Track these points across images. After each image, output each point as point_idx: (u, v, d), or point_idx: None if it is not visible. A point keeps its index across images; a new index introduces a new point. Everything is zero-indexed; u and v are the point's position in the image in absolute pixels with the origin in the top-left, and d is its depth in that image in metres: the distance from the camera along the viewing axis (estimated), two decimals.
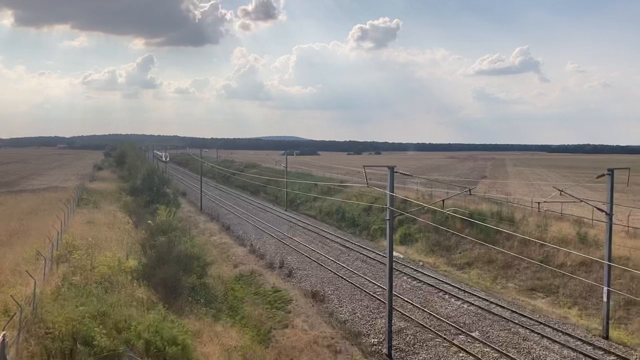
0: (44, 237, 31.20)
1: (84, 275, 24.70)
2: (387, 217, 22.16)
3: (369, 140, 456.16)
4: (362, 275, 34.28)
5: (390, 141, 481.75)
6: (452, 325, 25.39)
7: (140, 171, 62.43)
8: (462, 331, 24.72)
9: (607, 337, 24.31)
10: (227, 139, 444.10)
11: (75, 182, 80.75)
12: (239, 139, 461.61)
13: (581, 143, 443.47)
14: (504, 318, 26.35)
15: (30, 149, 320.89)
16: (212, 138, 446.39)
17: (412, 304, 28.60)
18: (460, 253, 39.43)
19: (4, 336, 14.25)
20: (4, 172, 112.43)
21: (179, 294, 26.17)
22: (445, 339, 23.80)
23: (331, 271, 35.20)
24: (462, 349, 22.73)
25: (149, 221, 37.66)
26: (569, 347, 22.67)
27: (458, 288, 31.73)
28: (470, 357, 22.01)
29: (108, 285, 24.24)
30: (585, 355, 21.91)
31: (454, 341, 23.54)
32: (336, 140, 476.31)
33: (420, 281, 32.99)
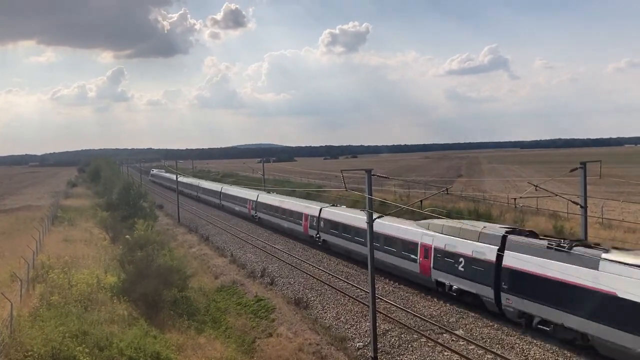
0: (18, 257, 30.60)
1: (62, 294, 24.31)
2: (367, 220, 22.22)
3: (344, 144, 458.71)
4: (344, 279, 34.28)
5: (365, 144, 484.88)
6: (435, 325, 25.52)
7: (116, 186, 61.62)
8: (446, 330, 24.86)
9: None
10: (202, 149, 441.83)
11: (49, 200, 79.47)
12: (214, 148, 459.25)
13: (553, 138, 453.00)
14: (487, 314, 26.52)
15: (1, 169, 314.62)
16: (186, 149, 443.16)
17: (395, 305, 28.67)
18: None
19: None
20: None
21: (161, 308, 25.85)
22: (429, 338, 23.90)
23: (313, 277, 35.13)
24: (447, 347, 22.85)
25: (127, 236, 37.17)
26: (551, 339, 22.92)
27: None
28: (455, 355, 22.14)
29: (87, 303, 23.89)
30: (567, 344, 22.18)
31: (439, 340, 23.65)
32: (312, 145, 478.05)
33: (402, 282, 33.07)
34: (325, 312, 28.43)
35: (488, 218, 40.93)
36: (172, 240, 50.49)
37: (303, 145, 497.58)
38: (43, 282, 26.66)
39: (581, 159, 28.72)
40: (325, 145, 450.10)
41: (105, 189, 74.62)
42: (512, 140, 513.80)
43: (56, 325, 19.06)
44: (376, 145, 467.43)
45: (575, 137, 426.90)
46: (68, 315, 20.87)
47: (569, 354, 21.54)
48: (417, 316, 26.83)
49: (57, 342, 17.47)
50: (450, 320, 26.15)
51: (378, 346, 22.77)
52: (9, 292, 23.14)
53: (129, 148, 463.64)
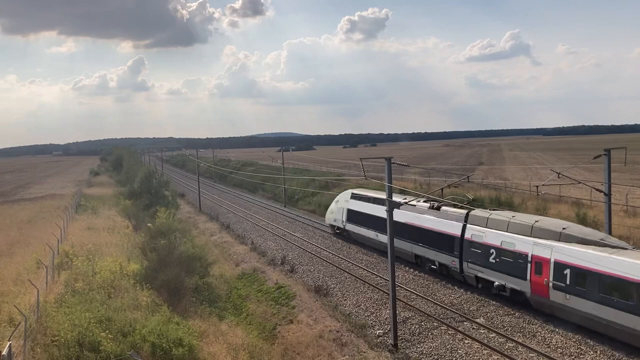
0: (44, 245, 31.19)
1: (86, 281, 24.73)
2: (387, 209, 22.16)
3: (364, 133, 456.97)
4: (364, 267, 34.31)
5: (385, 132, 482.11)
6: (456, 313, 25.45)
7: (138, 174, 62.24)
8: (466, 318, 24.78)
9: None
10: (222, 138, 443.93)
11: (73, 188, 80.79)
12: (234, 137, 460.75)
13: (576, 125, 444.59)
14: (508, 303, 26.37)
15: (25, 158, 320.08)
16: (207, 138, 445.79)
17: (415, 293, 28.64)
18: None
19: (10, 346, 14.26)
20: (0, 182, 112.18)
21: (183, 295, 26.18)
22: (450, 326, 23.85)
23: (333, 265, 35.23)
24: (468, 335, 22.78)
25: (149, 224, 37.57)
26: (573, 328, 22.71)
27: None
28: (476, 343, 22.07)
29: (111, 290, 24.27)
30: (589, 333, 21.97)
31: (459, 328, 23.59)
32: (331, 134, 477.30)
33: (422, 270, 33.01)
34: (345, 300, 28.52)
35: (509, 206, 40.50)
36: (193, 228, 50.99)
37: (322, 134, 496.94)
38: (68, 269, 27.13)
39: (605, 145, 28.28)
40: (345, 134, 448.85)
41: (127, 177, 75.46)
42: (535, 127, 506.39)
43: (81, 311, 19.42)
44: (396, 134, 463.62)
45: (600, 124, 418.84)
46: (92, 302, 21.23)
47: (591, 343, 21.33)
48: (437, 304, 26.78)
49: (83, 328, 17.81)
50: (470, 309, 26.05)
51: (398, 334, 22.80)
52: (35, 279, 23.64)
53: (150, 137, 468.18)
